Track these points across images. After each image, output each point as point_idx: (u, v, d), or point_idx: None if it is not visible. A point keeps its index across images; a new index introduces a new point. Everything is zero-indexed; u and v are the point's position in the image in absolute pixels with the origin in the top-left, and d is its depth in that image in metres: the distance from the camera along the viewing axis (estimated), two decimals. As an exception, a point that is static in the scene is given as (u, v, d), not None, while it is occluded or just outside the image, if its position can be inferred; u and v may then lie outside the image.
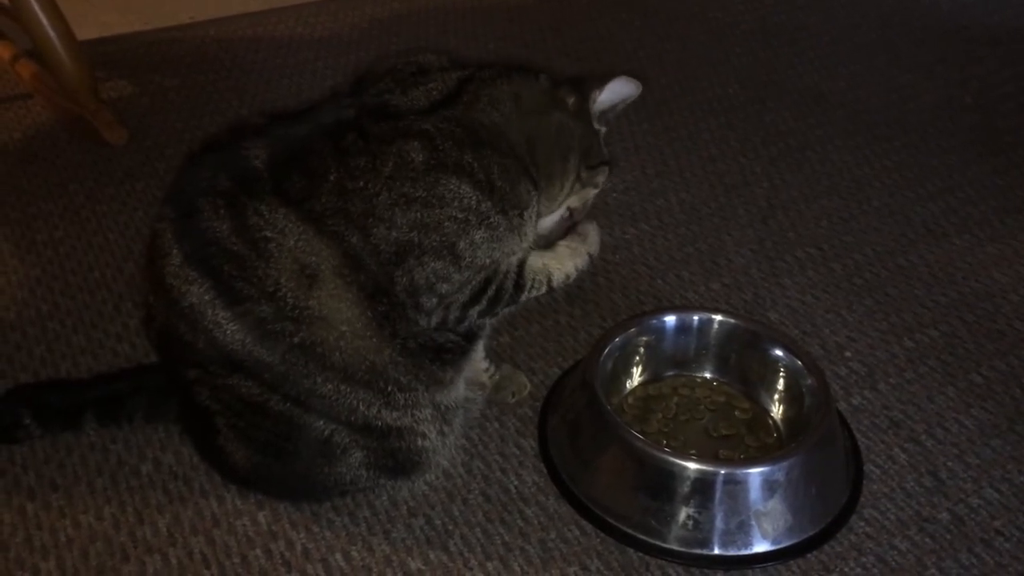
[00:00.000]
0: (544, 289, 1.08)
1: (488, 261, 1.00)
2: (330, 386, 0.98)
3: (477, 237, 0.98)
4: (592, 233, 1.12)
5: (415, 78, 1.01)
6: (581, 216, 1.13)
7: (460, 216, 0.96)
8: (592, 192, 1.11)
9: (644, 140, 1.80)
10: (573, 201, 1.10)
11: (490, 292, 1.02)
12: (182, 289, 0.96)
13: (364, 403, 1.00)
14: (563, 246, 1.11)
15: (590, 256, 1.11)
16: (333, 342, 0.96)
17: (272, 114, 1.04)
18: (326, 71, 2.04)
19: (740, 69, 2.06)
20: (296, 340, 0.95)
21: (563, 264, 1.09)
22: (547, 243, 1.11)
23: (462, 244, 0.97)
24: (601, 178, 1.10)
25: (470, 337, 1.07)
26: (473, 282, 1.01)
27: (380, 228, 0.95)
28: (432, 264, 0.97)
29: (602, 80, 1.06)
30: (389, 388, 1.00)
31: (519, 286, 1.05)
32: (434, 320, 1.01)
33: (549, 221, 1.10)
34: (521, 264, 1.05)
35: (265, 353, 0.96)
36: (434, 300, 0.99)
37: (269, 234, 0.94)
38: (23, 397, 1.17)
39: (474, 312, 1.02)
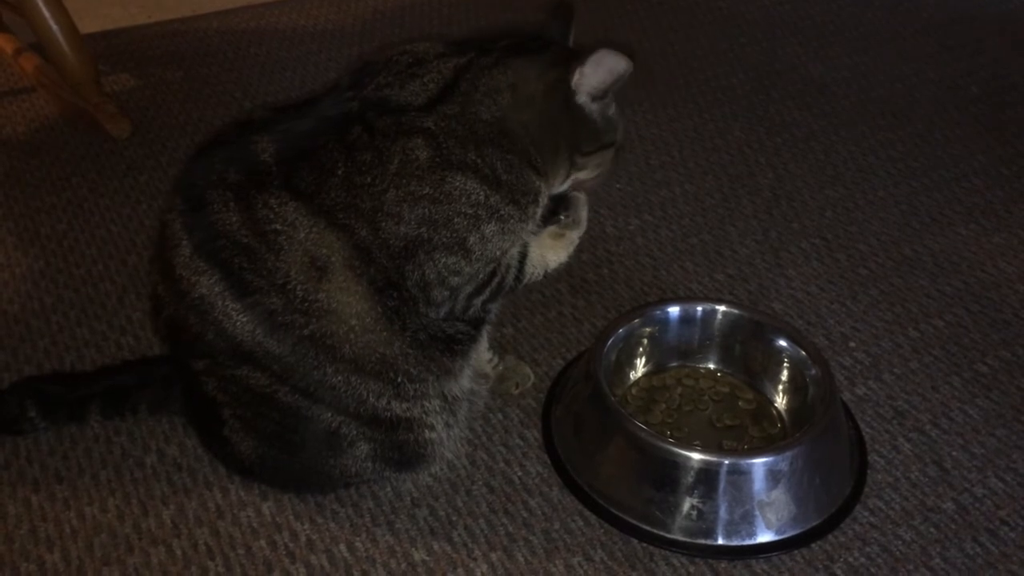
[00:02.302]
0: (540, 277, 1.10)
1: (499, 253, 1.01)
2: (340, 378, 0.98)
3: (488, 231, 0.98)
4: (583, 213, 1.12)
5: (411, 69, 1.00)
6: (588, 187, 1.10)
7: (470, 212, 0.96)
8: (599, 170, 1.07)
9: (648, 131, 1.80)
10: (581, 175, 1.06)
11: (494, 284, 1.03)
12: (192, 280, 0.96)
13: (374, 394, 1.00)
14: (556, 235, 1.10)
15: (579, 239, 1.13)
16: (343, 335, 0.96)
17: (277, 107, 1.04)
18: (329, 63, 2.04)
19: (744, 59, 2.05)
20: (306, 332, 0.95)
21: (558, 255, 1.10)
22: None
23: (473, 239, 0.97)
24: (598, 159, 1.05)
25: (477, 324, 1.07)
26: (481, 274, 1.01)
27: (388, 223, 0.95)
28: (443, 259, 0.97)
29: (582, 57, 0.97)
30: (399, 379, 1.00)
31: (519, 278, 1.07)
32: (443, 311, 1.01)
33: (553, 192, 1.08)
34: (523, 258, 1.06)
35: (275, 345, 0.96)
36: (445, 293, 0.99)
37: (279, 227, 0.94)
38: (28, 389, 1.17)
39: (478, 301, 1.03)
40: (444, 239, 0.96)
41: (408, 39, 1.07)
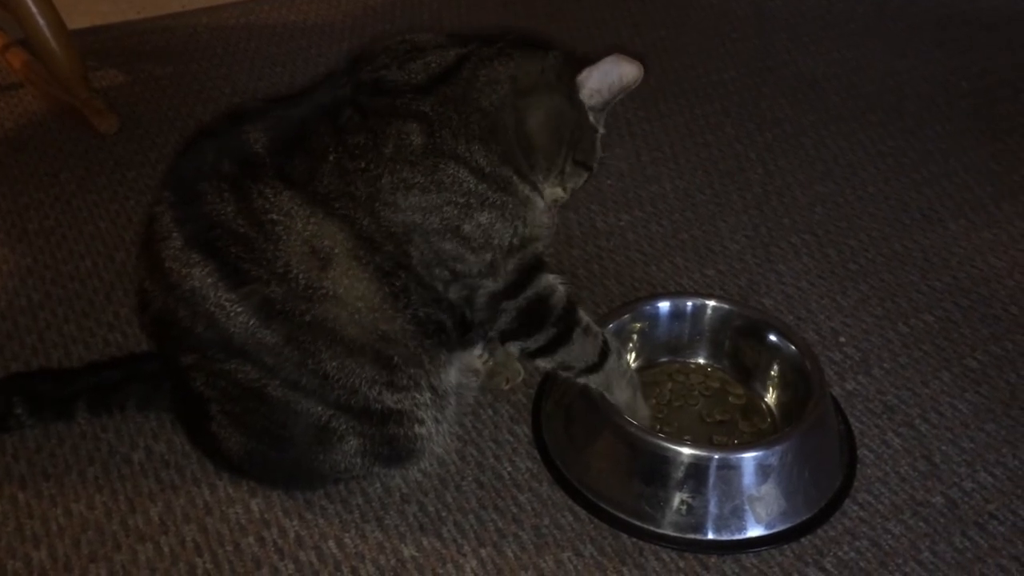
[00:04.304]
0: (599, 345, 1.04)
1: (507, 240, 0.98)
2: (335, 363, 0.97)
3: (483, 219, 0.97)
4: (642, 405, 1.12)
5: (411, 54, 1.00)
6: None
7: (460, 200, 0.96)
8: (561, 196, 1.07)
9: (639, 126, 1.80)
10: (558, 192, 1.07)
11: (529, 293, 1.00)
12: (183, 272, 0.95)
13: (367, 382, 0.99)
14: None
15: (629, 406, 1.09)
16: (346, 317, 0.96)
17: (269, 99, 1.03)
18: (319, 59, 2.04)
19: (735, 55, 2.05)
20: (308, 318, 0.95)
21: (620, 381, 1.07)
22: None
23: (467, 227, 0.97)
24: (573, 183, 1.07)
25: (466, 340, 1.07)
26: (504, 269, 0.99)
27: (386, 211, 0.95)
28: (439, 245, 0.97)
29: (593, 60, 0.99)
30: (395, 359, 1.00)
31: (570, 312, 1.02)
32: (453, 292, 1.00)
33: None
34: (572, 299, 1.04)
35: (269, 335, 0.95)
36: (446, 273, 0.99)
37: (276, 216, 0.94)
38: (14, 386, 1.17)
39: (511, 306, 1.00)
40: (435, 226, 0.96)
41: (408, 29, 1.06)
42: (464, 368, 1.16)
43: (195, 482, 1.10)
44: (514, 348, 1.05)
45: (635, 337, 1.24)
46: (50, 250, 1.47)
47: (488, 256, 0.98)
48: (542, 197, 1.04)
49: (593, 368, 1.05)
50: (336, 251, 0.94)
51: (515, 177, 1.00)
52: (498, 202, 0.98)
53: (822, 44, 2.09)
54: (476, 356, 1.20)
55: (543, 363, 1.06)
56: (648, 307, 1.24)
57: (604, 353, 1.05)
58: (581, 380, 1.06)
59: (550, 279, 1.03)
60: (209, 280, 0.95)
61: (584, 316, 1.05)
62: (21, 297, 1.38)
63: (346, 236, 0.95)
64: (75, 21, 1.96)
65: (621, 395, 1.08)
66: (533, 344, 1.03)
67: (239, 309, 0.95)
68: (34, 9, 1.65)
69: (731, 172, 1.67)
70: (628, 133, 1.77)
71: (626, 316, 1.22)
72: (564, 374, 1.06)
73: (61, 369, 1.25)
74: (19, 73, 1.91)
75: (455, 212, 0.96)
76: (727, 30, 2.15)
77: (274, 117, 0.98)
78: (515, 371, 1.23)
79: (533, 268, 1.01)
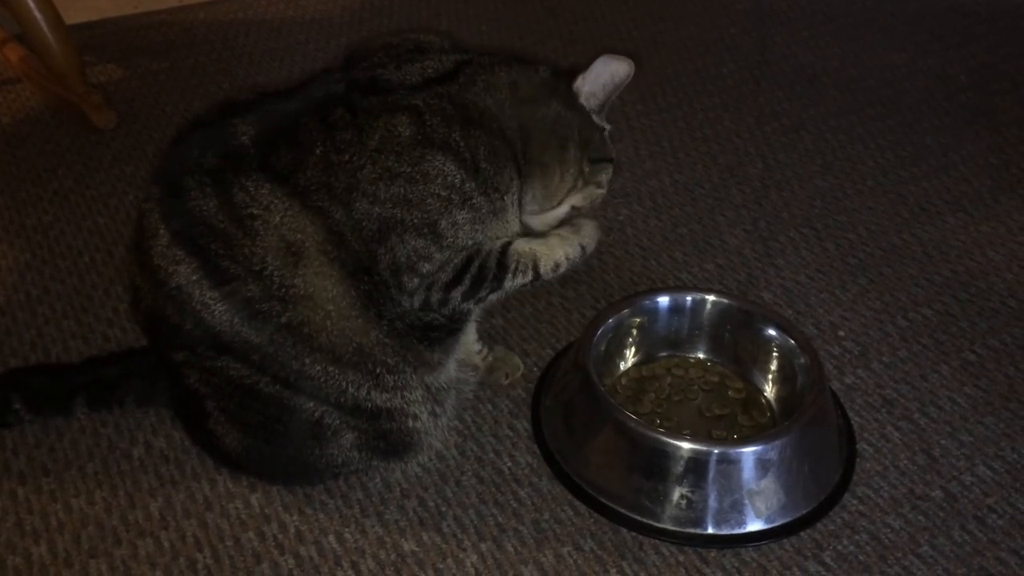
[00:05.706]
0: (530, 275, 1.03)
1: (470, 242, 0.99)
2: (318, 368, 0.97)
3: (459, 217, 0.97)
4: (587, 226, 1.09)
5: (411, 55, 1.01)
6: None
7: (443, 194, 0.96)
8: (597, 192, 1.08)
9: (637, 121, 1.79)
10: (577, 200, 1.07)
11: (472, 270, 1.00)
12: (169, 270, 0.95)
13: (353, 385, 0.99)
14: (553, 234, 1.08)
15: (583, 248, 1.07)
16: (319, 322, 0.95)
17: (262, 92, 1.03)
18: (317, 54, 2.03)
19: (734, 49, 2.04)
20: (283, 320, 0.95)
21: (551, 250, 1.05)
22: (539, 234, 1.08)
23: (444, 223, 0.96)
24: (604, 177, 1.08)
25: (455, 320, 1.05)
26: (454, 261, 0.99)
27: (363, 203, 0.94)
28: (413, 242, 0.96)
29: (585, 67, 1.03)
30: (377, 370, 1.00)
31: (502, 266, 1.01)
32: (416, 301, 1.00)
33: (551, 217, 1.08)
34: (505, 245, 1.03)
35: (253, 334, 0.95)
36: (415, 280, 0.98)
37: (255, 211, 0.93)
38: (13, 382, 1.17)
39: (457, 294, 1.00)
40: (415, 220, 0.95)
41: (413, 28, 1.07)
42: (463, 363, 1.16)
43: (195, 477, 1.10)
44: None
45: (634, 332, 1.24)
46: (48, 246, 1.47)
47: (448, 254, 0.98)
48: (519, 213, 1.04)
49: (528, 285, 1.05)
50: (307, 245, 0.94)
51: (515, 180, 1.00)
52: (476, 204, 0.97)
53: (821, 38, 2.09)
54: (475, 352, 1.20)
55: (481, 305, 1.06)
56: (647, 302, 1.24)
57: (535, 276, 1.04)
58: None
59: (483, 248, 1.01)
60: (193, 278, 0.94)
61: (512, 258, 1.02)
62: (19, 292, 1.37)
63: (317, 229, 0.94)
64: (72, 16, 1.95)
65: (557, 256, 1.06)
66: (473, 303, 1.03)
67: (222, 307, 0.95)
68: (31, 4, 1.65)
69: (730, 166, 1.67)
70: (627, 128, 1.77)
71: (625, 311, 1.22)
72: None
73: (60, 364, 1.25)
74: (16, 68, 1.90)
75: (436, 205, 0.95)
76: (726, 24, 2.14)
77: (264, 110, 0.98)
78: (514, 366, 1.23)
79: (476, 252, 1.01)
